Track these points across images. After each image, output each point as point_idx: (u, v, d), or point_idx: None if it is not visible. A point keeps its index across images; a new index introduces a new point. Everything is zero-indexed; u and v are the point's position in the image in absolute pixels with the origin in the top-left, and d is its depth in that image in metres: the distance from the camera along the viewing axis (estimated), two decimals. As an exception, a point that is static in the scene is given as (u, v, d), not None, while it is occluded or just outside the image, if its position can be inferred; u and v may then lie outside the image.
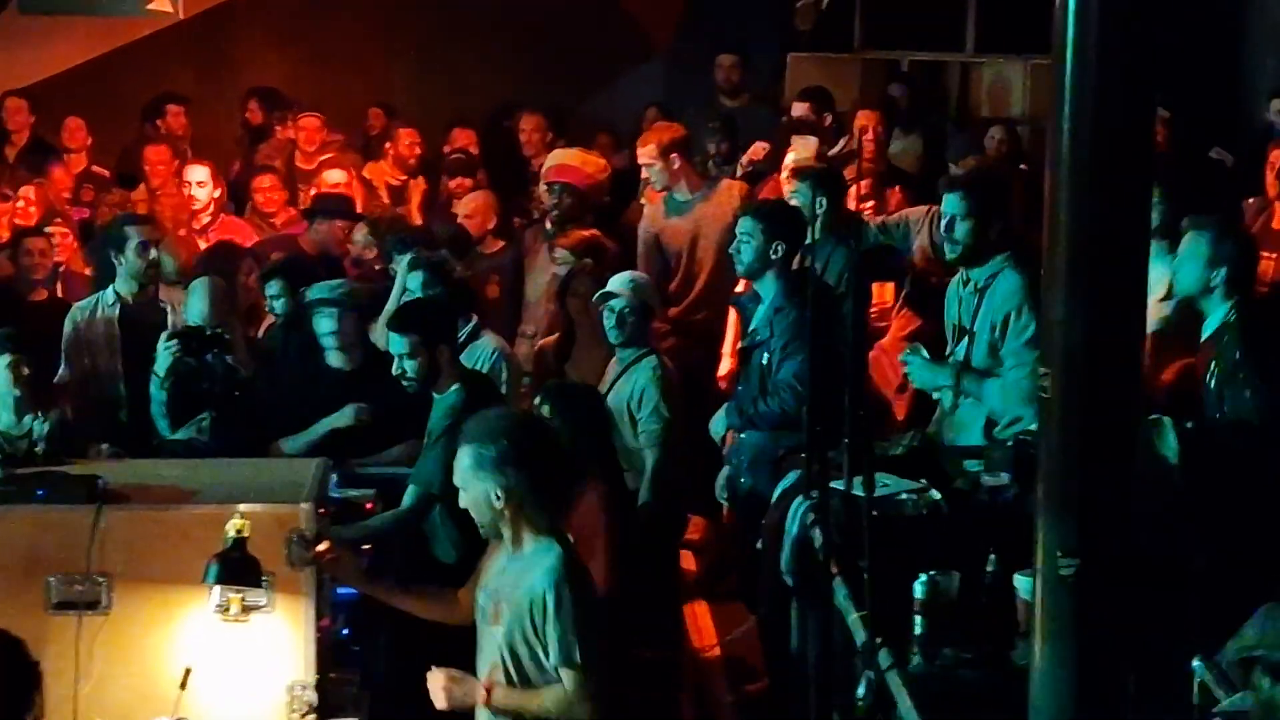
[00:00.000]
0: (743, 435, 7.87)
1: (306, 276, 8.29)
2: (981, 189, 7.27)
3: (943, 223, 7.25)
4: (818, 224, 7.31)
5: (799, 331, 7.38)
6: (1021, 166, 10.38)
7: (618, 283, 7.98)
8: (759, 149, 10.51)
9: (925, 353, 7.26)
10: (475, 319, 8.21)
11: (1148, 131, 4.31)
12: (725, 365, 8.95)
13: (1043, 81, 10.63)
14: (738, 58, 12.34)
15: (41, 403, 7.42)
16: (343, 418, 7.58)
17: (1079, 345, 4.21)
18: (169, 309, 8.45)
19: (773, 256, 7.73)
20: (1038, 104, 12.13)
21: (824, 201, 7.99)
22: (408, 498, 7.02)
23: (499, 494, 4.98)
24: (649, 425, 7.76)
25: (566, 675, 4.96)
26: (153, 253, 8.47)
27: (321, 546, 5.44)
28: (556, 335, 8.62)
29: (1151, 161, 4.36)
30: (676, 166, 9.63)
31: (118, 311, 8.36)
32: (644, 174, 9.88)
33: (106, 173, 11.85)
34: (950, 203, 7.16)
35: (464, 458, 5.04)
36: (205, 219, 10.53)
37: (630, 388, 7.82)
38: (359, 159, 11.92)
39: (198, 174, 10.68)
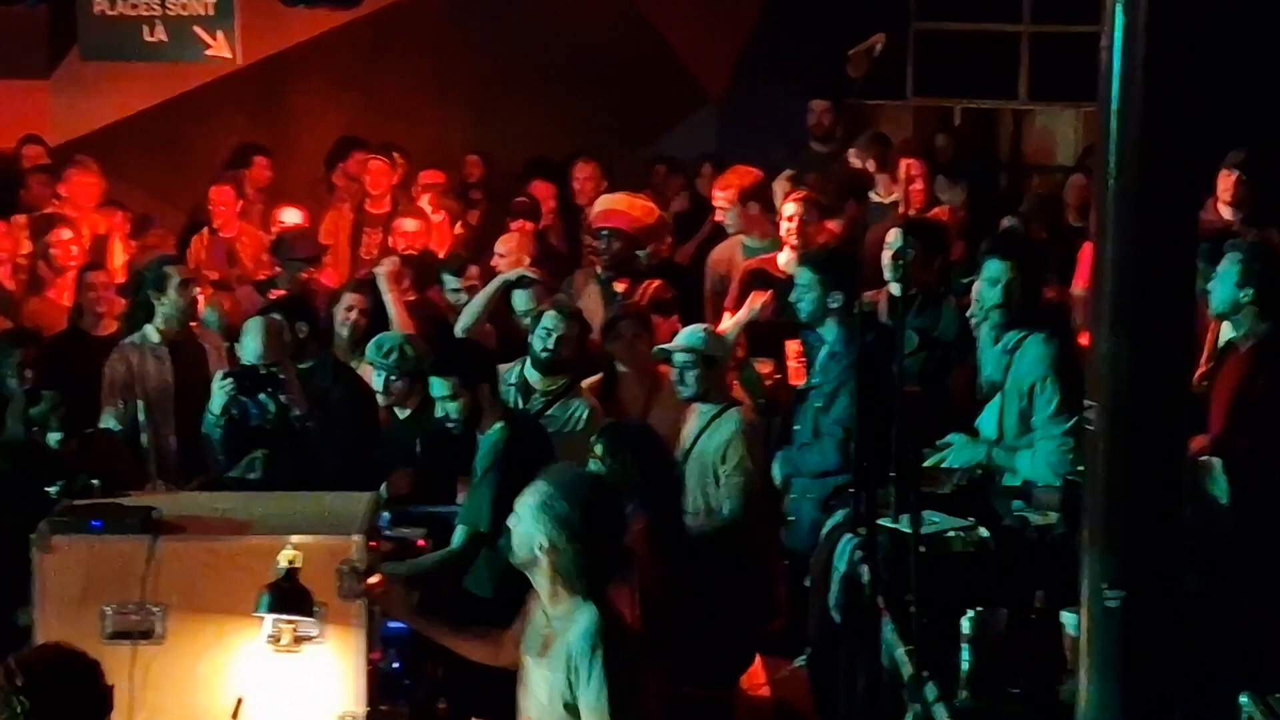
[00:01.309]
0: (795, 480, 7.91)
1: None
2: (1021, 255, 7.27)
3: (979, 284, 7.27)
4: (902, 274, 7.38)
5: (852, 371, 7.42)
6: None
7: (683, 337, 8.01)
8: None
9: (963, 436, 7.25)
10: (569, 378, 8.24)
11: (1193, 170, 4.34)
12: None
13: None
14: (829, 103, 12.36)
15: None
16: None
17: (1125, 379, 4.24)
18: (209, 349, 8.59)
19: (831, 305, 7.77)
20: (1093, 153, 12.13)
21: (913, 253, 8.03)
22: (457, 537, 7.06)
23: (544, 544, 4.97)
24: (732, 479, 7.80)
25: None
26: (194, 292, 8.60)
27: (373, 580, 5.49)
28: (599, 375, 8.65)
29: (1196, 199, 4.40)
30: (754, 213, 9.66)
31: (167, 350, 8.47)
32: (719, 215, 9.88)
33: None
34: (990, 268, 7.18)
35: (533, 494, 5.04)
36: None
37: (715, 442, 7.84)
38: (456, 205, 11.98)
39: (291, 216, 10.76)
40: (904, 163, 10.61)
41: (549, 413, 8.02)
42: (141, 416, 8.47)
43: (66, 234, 10.20)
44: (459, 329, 8.73)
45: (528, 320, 8.57)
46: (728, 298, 9.58)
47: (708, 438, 7.83)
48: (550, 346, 8.11)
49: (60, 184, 11.29)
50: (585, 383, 8.66)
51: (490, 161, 12.94)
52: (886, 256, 8.40)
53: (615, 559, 5.17)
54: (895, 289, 8.19)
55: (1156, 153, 4.14)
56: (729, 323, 9.08)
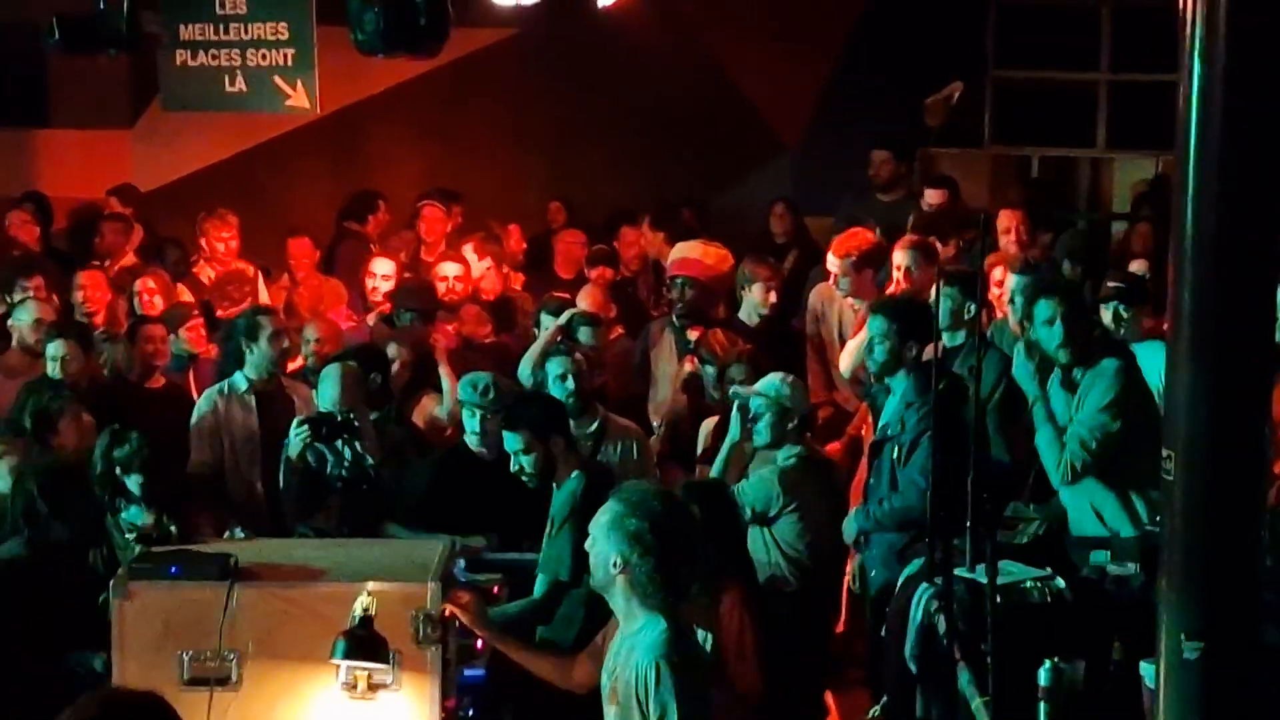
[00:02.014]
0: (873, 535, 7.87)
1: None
2: (1064, 291, 7.36)
3: (1050, 330, 7.26)
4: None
5: (928, 425, 7.39)
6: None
7: (762, 385, 7.99)
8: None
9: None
10: (601, 419, 8.25)
11: (1271, 220, 4.32)
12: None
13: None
14: (890, 153, 12.36)
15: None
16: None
17: (1202, 429, 4.21)
18: (297, 400, 8.65)
19: (908, 354, 7.75)
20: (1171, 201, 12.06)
21: (972, 306, 8.00)
22: (538, 587, 7.06)
23: (617, 561, 4.95)
24: (794, 525, 7.76)
25: None
26: (285, 343, 8.67)
27: (461, 594, 5.58)
28: (718, 418, 8.62)
29: (1274, 247, 4.38)
30: (867, 279, 9.64)
31: (254, 399, 8.54)
32: (833, 273, 9.85)
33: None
34: (1040, 310, 7.25)
35: (604, 514, 5.03)
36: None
37: (780, 488, 7.77)
38: (498, 249, 12.02)
39: (383, 267, 10.86)
40: (1002, 213, 10.56)
41: (598, 457, 8.02)
42: (228, 464, 8.54)
43: (152, 284, 10.34)
44: (521, 374, 8.72)
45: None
46: (834, 343, 9.58)
47: (775, 482, 7.81)
48: (571, 389, 8.11)
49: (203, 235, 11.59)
50: (705, 424, 8.64)
51: (571, 209, 12.99)
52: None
53: (688, 575, 5.13)
54: (946, 339, 8.16)
55: (1234, 201, 4.13)
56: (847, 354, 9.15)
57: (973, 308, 7.75)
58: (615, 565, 4.94)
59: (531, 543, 7.42)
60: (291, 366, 9.18)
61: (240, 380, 8.61)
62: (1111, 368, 7.13)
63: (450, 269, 10.80)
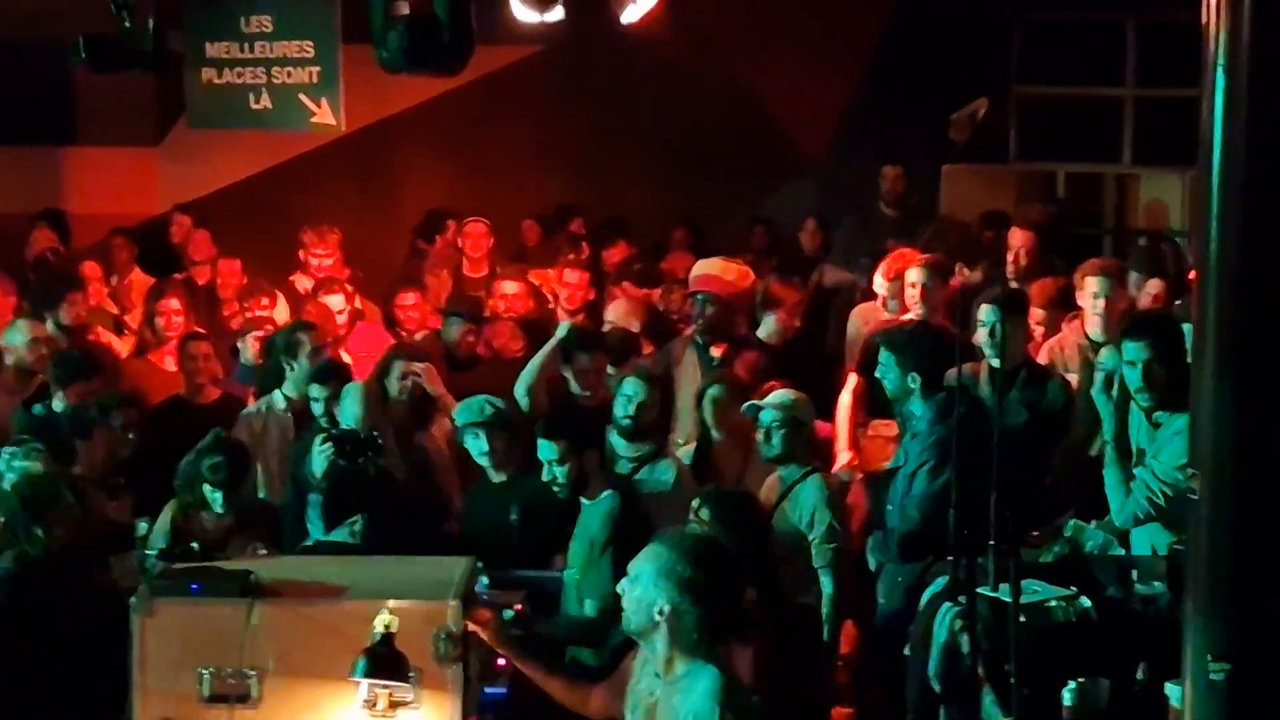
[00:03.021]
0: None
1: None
2: (1155, 333, 7.06)
3: (1133, 371, 7.10)
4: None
5: (934, 450, 7.39)
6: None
7: (772, 398, 7.98)
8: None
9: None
10: (655, 444, 8.20)
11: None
12: (844, 458, 9.03)
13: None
14: (901, 169, 12.36)
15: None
16: None
17: (1228, 450, 4.19)
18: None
19: (910, 385, 7.72)
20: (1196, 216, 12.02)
21: (1002, 329, 7.97)
22: (590, 609, 7.06)
23: (664, 609, 4.87)
24: (824, 546, 7.67)
25: None
26: (322, 359, 8.67)
27: (482, 611, 5.60)
28: (693, 443, 8.61)
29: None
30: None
31: (290, 417, 8.54)
32: (880, 294, 9.83)
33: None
34: (1127, 350, 7.00)
35: (650, 559, 4.95)
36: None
37: (799, 509, 7.76)
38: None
39: (409, 299, 10.84)
40: (1014, 231, 10.55)
41: (636, 476, 7.98)
42: (262, 481, 8.53)
43: (175, 303, 10.34)
44: (517, 391, 8.69)
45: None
46: (851, 361, 9.54)
47: (791, 504, 7.77)
48: (632, 414, 8.05)
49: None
50: (680, 450, 8.62)
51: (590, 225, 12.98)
52: (982, 334, 8.32)
53: (733, 621, 5.10)
54: (994, 362, 8.13)
55: (1258, 217, 4.10)
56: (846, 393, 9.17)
57: (916, 379, 7.71)
58: (661, 613, 4.87)
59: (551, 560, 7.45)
60: None
61: (279, 398, 8.62)
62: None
63: (510, 287, 10.79)
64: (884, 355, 7.83)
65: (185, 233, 12.53)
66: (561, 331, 9.06)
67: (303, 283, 11.34)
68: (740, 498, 7.14)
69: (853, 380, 9.26)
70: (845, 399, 9.24)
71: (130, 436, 8.29)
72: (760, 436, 7.91)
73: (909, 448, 7.67)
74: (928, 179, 13.07)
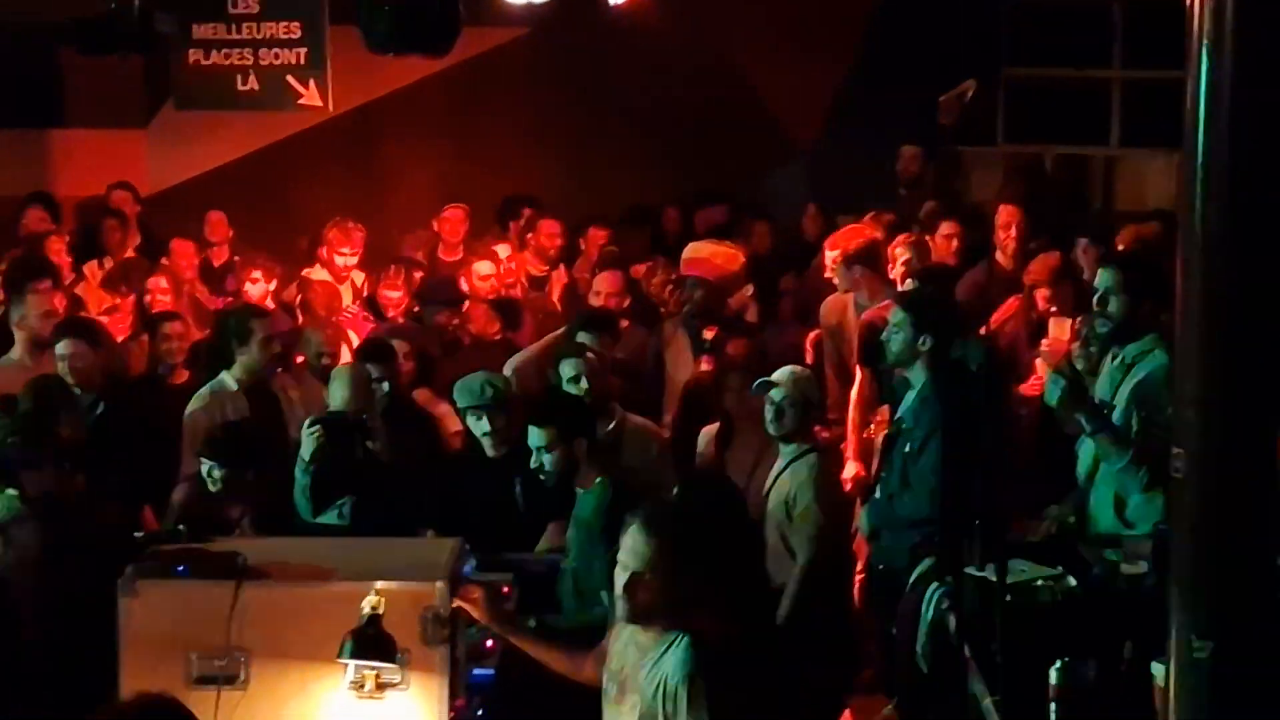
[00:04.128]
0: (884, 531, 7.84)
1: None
2: (1136, 265, 7.24)
3: (1095, 297, 7.20)
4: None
5: (942, 421, 7.38)
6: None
7: (780, 374, 7.99)
8: None
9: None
10: (618, 419, 8.22)
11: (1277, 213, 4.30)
12: (851, 469, 9.00)
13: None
14: (919, 150, 12.35)
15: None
16: None
17: (1212, 425, 4.19)
18: (282, 397, 8.68)
19: (921, 348, 7.70)
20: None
21: (928, 340, 7.90)
22: (606, 598, 7.07)
23: (636, 576, 4.91)
24: (800, 525, 7.71)
25: None
26: (276, 348, 8.63)
27: (472, 589, 5.59)
28: (718, 425, 8.61)
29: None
30: (858, 276, 9.60)
31: (245, 400, 8.52)
32: (829, 272, 9.85)
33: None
34: (1104, 277, 7.13)
35: (625, 529, 4.99)
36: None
37: (790, 486, 7.80)
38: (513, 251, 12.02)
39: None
40: (1001, 208, 10.58)
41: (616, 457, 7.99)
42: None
43: (164, 283, 10.37)
44: (507, 368, 8.69)
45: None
46: (853, 355, 9.52)
47: (786, 479, 7.79)
48: (585, 389, 8.07)
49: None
50: (705, 429, 8.61)
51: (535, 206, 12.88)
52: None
53: (708, 590, 5.09)
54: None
55: (1242, 197, 4.11)
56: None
57: (928, 341, 7.70)
58: (632, 581, 4.89)
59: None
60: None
61: (229, 380, 8.60)
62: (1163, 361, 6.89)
63: (485, 267, 10.79)
64: (897, 315, 7.80)
65: (130, 209, 12.47)
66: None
67: (318, 274, 11.29)
68: (716, 482, 7.14)
69: (858, 376, 9.24)
70: (854, 396, 9.22)
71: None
72: (771, 414, 7.91)
73: (918, 414, 7.61)
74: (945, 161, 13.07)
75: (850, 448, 9.06)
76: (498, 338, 9.95)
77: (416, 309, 10.53)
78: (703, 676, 4.82)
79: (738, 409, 8.46)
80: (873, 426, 8.99)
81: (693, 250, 10.02)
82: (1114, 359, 7.18)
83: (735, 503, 6.99)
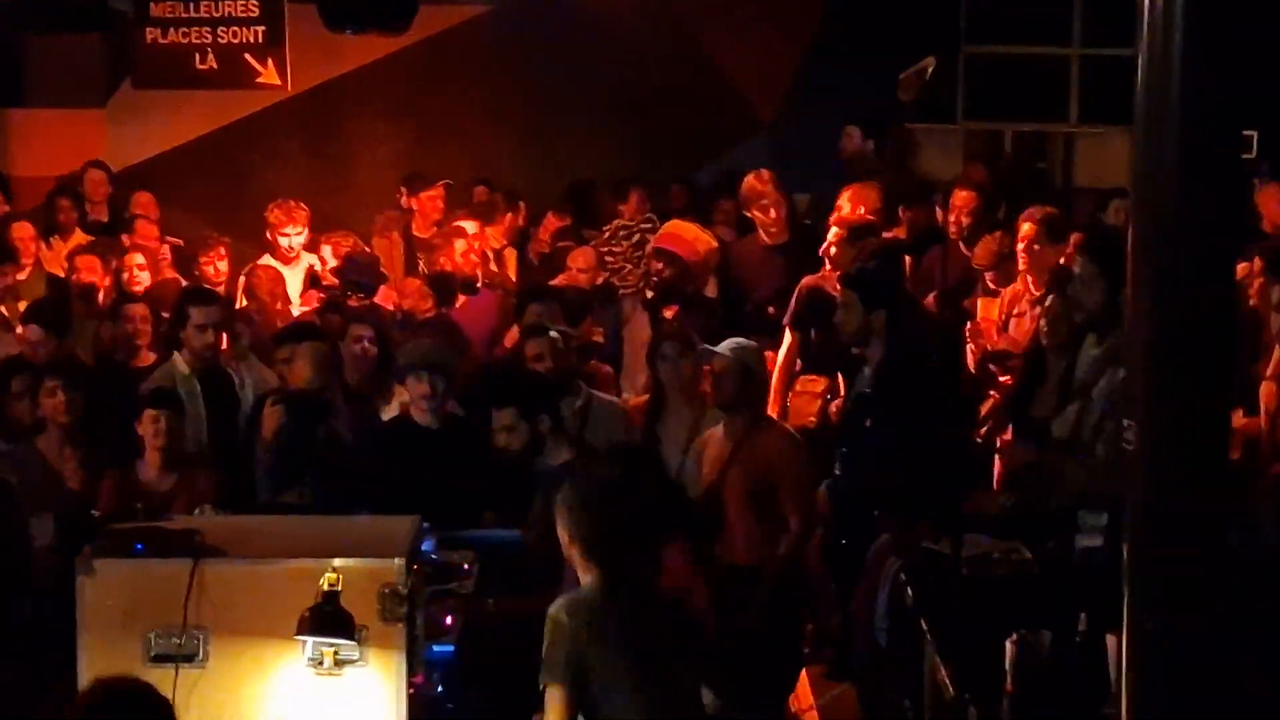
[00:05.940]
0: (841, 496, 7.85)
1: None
2: (1112, 253, 7.20)
3: (1070, 286, 7.21)
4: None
5: (898, 396, 7.41)
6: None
7: (723, 345, 7.99)
8: None
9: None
10: (585, 396, 8.22)
11: (1229, 190, 4.33)
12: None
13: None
14: (862, 129, 12.39)
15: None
16: None
17: (1164, 399, 4.22)
18: (235, 376, 8.68)
19: (874, 323, 7.73)
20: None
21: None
22: None
23: (566, 539, 5.28)
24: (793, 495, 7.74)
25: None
26: (210, 337, 8.59)
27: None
28: (646, 397, 8.63)
29: (1235, 215, 4.39)
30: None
31: (198, 382, 8.49)
32: (831, 247, 9.85)
33: (179, 241, 11.91)
34: (1082, 264, 7.15)
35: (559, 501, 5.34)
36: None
37: (765, 459, 7.76)
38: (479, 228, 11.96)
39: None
40: (955, 193, 10.61)
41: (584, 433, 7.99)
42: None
43: (140, 259, 10.39)
44: None
45: None
46: (786, 315, 9.55)
47: (752, 452, 7.77)
48: (549, 368, 8.06)
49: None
50: (634, 402, 8.65)
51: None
52: None
53: (622, 546, 5.27)
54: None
55: (1192, 173, 4.13)
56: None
57: (880, 316, 7.72)
58: (566, 545, 5.29)
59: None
60: None
61: (180, 364, 8.57)
62: None
63: (462, 244, 10.76)
64: (846, 295, 7.82)
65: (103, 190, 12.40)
66: None
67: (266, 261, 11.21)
68: (638, 453, 7.19)
69: (787, 338, 9.28)
70: (780, 358, 9.25)
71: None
72: (712, 384, 7.91)
73: (876, 386, 7.62)
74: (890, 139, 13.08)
75: (773, 408, 9.04)
76: (430, 313, 9.90)
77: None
78: (566, 613, 5.09)
79: (672, 379, 8.41)
80: (795, 384, 9.04)
81: (674, 227, 10.04)
82: (1098, 345, 7.19)
83: (647, 456, 7.05)
